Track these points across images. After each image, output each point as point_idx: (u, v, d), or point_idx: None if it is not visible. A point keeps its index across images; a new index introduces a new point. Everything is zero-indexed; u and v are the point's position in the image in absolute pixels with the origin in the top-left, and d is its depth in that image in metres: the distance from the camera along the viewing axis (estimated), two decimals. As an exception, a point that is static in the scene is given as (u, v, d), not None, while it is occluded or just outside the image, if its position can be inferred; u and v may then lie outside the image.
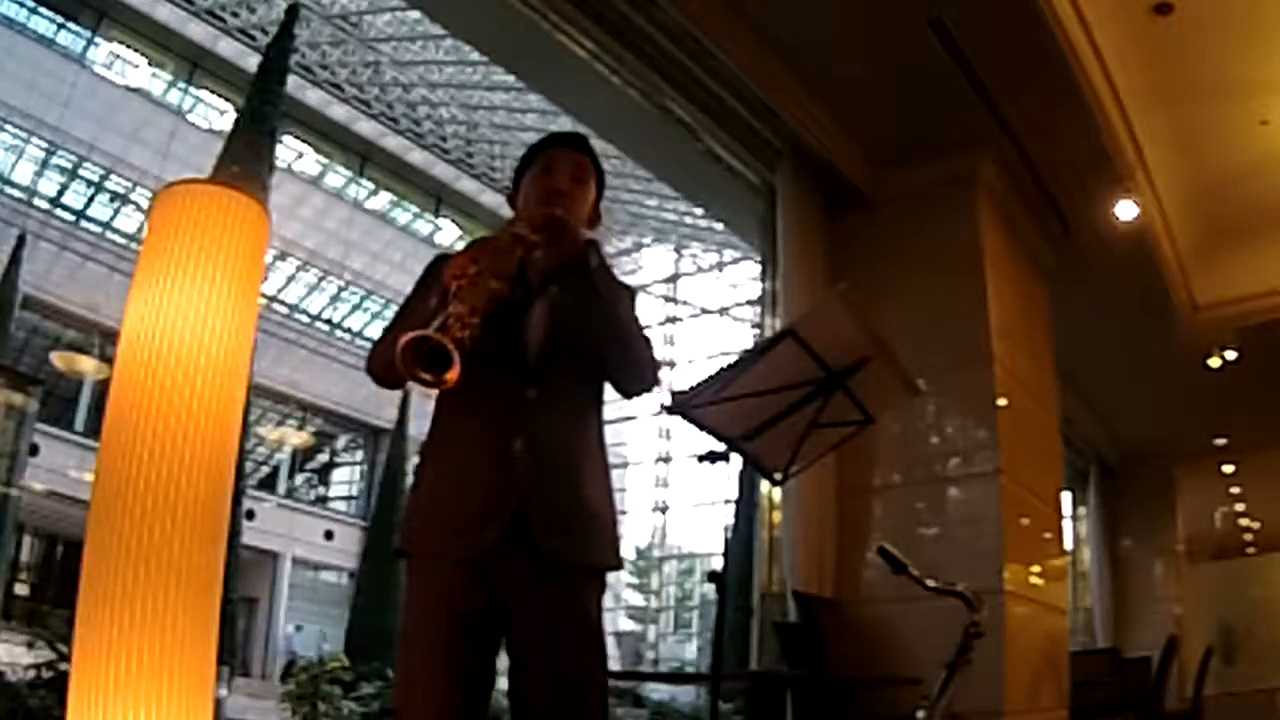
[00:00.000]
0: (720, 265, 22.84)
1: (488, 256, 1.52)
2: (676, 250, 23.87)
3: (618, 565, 1.72)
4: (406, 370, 1.32)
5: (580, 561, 1.63)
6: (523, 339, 1.67)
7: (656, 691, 13.04)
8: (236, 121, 10.79)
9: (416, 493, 1.72)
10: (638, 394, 1.76)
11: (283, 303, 20.73)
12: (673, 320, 23.95)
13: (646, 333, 1.77)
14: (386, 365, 1.57)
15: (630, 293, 1.79)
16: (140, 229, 16.81)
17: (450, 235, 23.49)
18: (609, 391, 1.81)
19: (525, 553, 1.57)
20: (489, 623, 1.58)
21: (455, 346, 1.33)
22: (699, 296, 23.63)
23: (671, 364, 23.52)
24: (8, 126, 16.96)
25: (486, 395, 1.60)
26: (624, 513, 24.37)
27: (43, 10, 17.40)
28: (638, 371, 1.73)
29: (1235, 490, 9.47)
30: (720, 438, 1.80)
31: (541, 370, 1.65)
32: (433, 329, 1.34)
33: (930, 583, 2.35)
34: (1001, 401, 4.12)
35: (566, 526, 1.60)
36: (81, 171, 18.06)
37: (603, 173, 1.89)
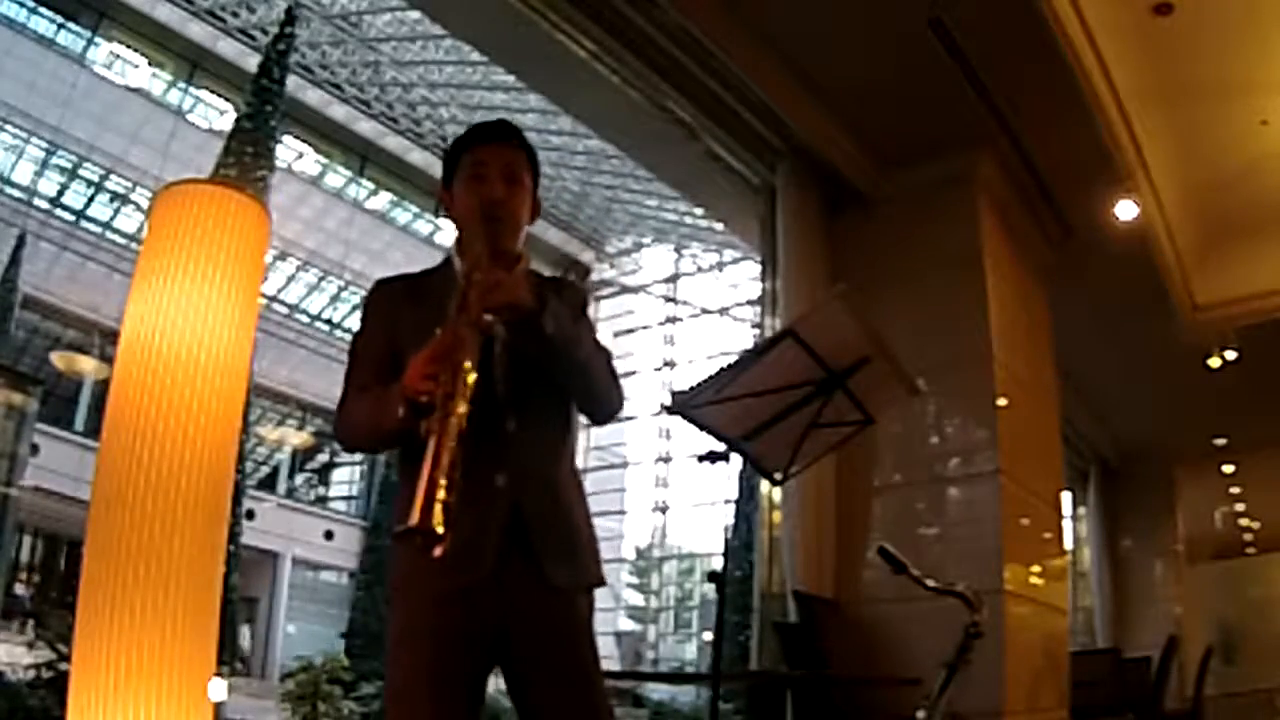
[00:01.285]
0: (720, 265, 22.84)
1: (455, 369, 1.44)
2: (676, 250, 23.87)
3: (603, 581, 1.73)
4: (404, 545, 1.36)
5: (577, 582, 1.64)
6: (491, 374, 1.59)
7: (656, 691, 13.05)
8: (236, 121, 10.80)
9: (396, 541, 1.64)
10: (605, 420, 1.74)
11: (283, 303, 20.71)
12: (673, 320, 23.95)
13: (605, 357, 1.71)
14: (362, 441, 1.69)
15: (587, 321, 1.77)
16: (140, 229, 16.80)
17: (450, 235, 23.45)
18: None
19: (522, 579, 1.56)
20: (482, 651, 1.57)
21: (445, 526, 1.34)
22: (699, 296, 23.63)
23: (671, 364, 23.53)
24: (8, 126, 16.96)
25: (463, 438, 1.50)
26: (623, 513, 24.45)
27: (43, 10, 17.39)
28: (601, 404, 1.70)
29: (1235, 490, 9.47)
30: (720, 438, 1.81)
31: (514, 402, 1.61)
32: (419, 517, 1.33)
33: (930, 583, 2.35)
34: (1001, 401, 4.12)
35: (561, 552, 1.60)
36: (81, 171, 18.05)
37: (536, 157, 1.80)
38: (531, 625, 1.57)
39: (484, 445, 1.51)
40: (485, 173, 1.70)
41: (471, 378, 1.45)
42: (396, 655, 1.57)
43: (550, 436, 1.67)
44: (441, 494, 1.35)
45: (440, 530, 1.33)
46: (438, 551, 1.34)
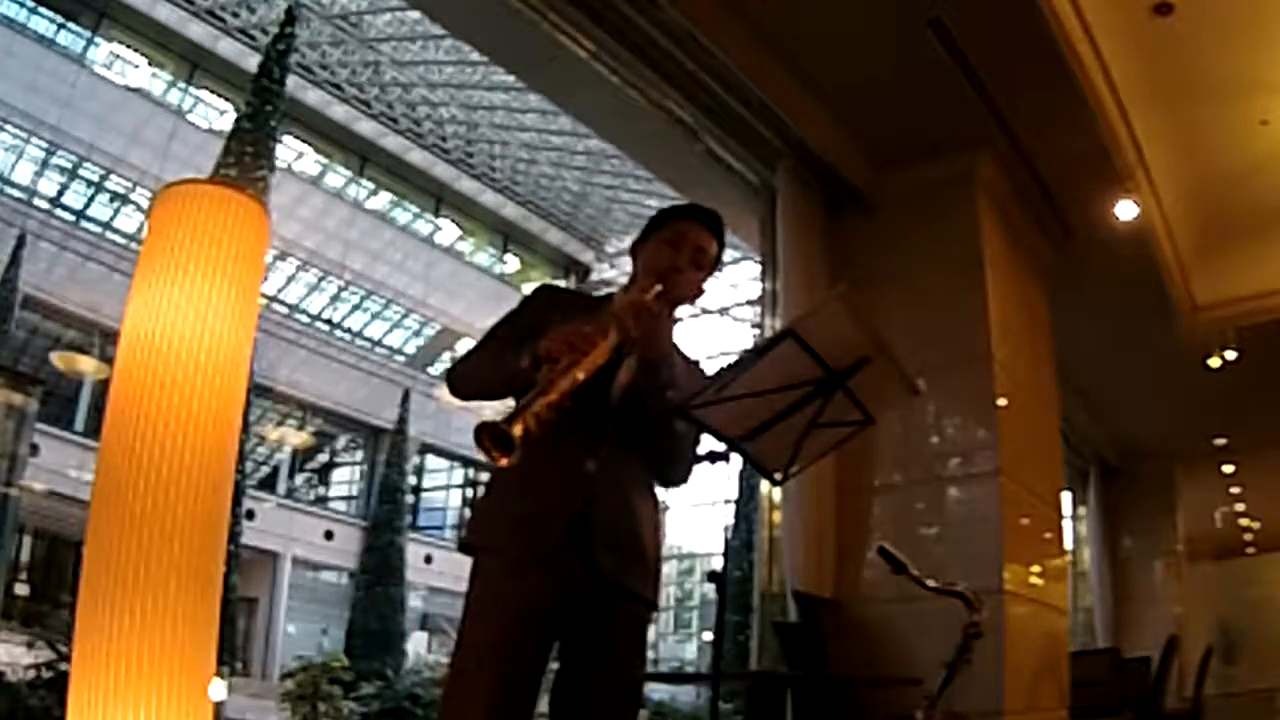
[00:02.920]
0: (720, 265, 22.81)
1: (588, 351, 1.62)
2: (677, 250, 23.84)
3: (658, 604, 1.88)
4: (477, 441, 1.50)
5: (629, 586, 1.76)
6: (610, 385, 1.79)
7: (656, 691, 13.04)
8: (236, 121, 10.80)
9: (488, 497, 1.85)
10: (666, 485, 1.93)
11: (283, 303, 20.71)
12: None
13: (694, 437, 1.86)
14: (474, 384, 1.85)
15: (700, 380, 1.91)
16: (140, 229, 16.81)
17: (450, 235, 23.50)
18: None
19: (585, 565, 1.70)
20: (547, 625, 1.71)
21: (521, 437, 1.49)
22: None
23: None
24: (8, 126, 16.95)
25: (568, 420, 1.66)
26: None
27: (43, 10, 17.39)
28: (670, 470, 1.89)
29: (1235, 490, 9.46)
30: (720, 438, 1.81)
31: (619, 414, 1.79)
32: (506, 418, 1.49)
33: (930, 583, 2.36)
34: (1001, 401, 4.12)
35: (620, 548, 1.74)
36: (81, 171, 18.05)
37: (723, 251, 2.00)
38: (585, 613, 1.71)
39: (584, 437, 1.73)
40: (680, 243, 1.91)
41: (601, 359, 1.63)
42: (472, 620, 1.72)
43: (640, 456, 1.84)
44: (533, 413, 1.50)
45: (516, 436, 1.47)
46: (503, 462, 1.48)
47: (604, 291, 2.00)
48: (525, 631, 1.68)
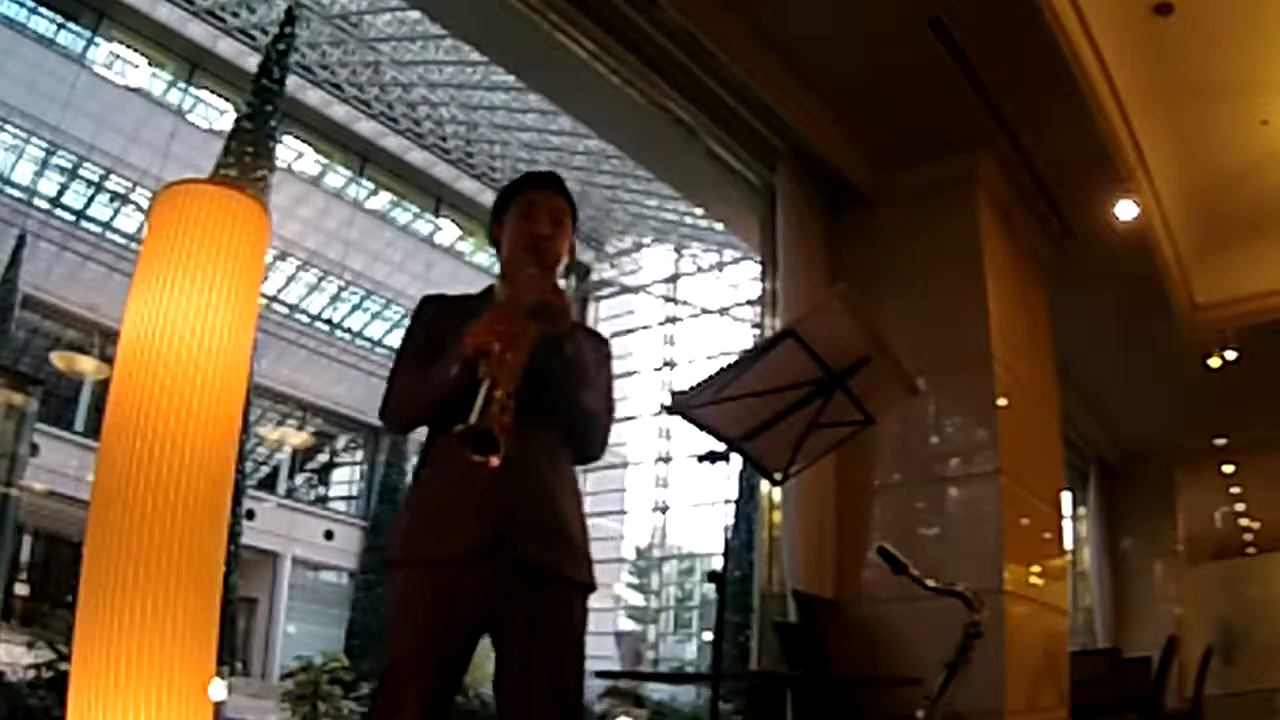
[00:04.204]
0: (720, 265, 22.82)
1: (508, 338, 1.63)
2: (676, 250, 23.85)
3: (594, 585, 1.83)
4: (464, 444, 1.51)
5: (559, 574, 1.74)
6: None
7: (656, 691, 13.04)
8: (236, 121, 10.79)
9: (406, 512, 1.84)
10: (579, 461, 1.90)
11: (283, 303, 20.70)
12: (673, 320, 23.94)
13: (607, 410, 1.91)
14: (410, 411, 1.82)
15: (605, 353, 1.99)
16: (140, 229, 16.80)
17: (450, 235, 23.50)
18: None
19: (510, 562, 1.68)
20: (473, 629, 1.70)
21: (501, 431, 1.51)
22: (699, 296, 23.61)
23: (672, 364, 23.51)
24: (8, 126, 16.94)
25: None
26: (623, 513, 24.44)
27: (43, 10, 17.38)
28: (582, 447, 1.88)
29: (1235, 490, 9.46)
30: (720, 438, 1.81)
31: (522, 398, 1.70)
32: (478, 418, 1.51)
33: (930, 583, 2.36)
34: (1001, 401, 4.11)
35: (545, 538, 1.72)
36: (81, 171, 18.04)
37: (576, 210, 2.02)
38: (510, 611, 1.69)
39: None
40: (535, 212, 1.94)
41: (528, 341, 1.65)
42: (397, 623, 1.71)
43: (549, 437, 1.80)
44: (498, 405, 1.52)
45: (496, 431, 1.49)
46: (494, 461, 1.50)
47: (484, 286, 1.98)
48: (452, 641, 1.68)
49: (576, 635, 1.77)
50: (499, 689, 1.71)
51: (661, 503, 23.22)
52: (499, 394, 1.54)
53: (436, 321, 1.88)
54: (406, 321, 1.98)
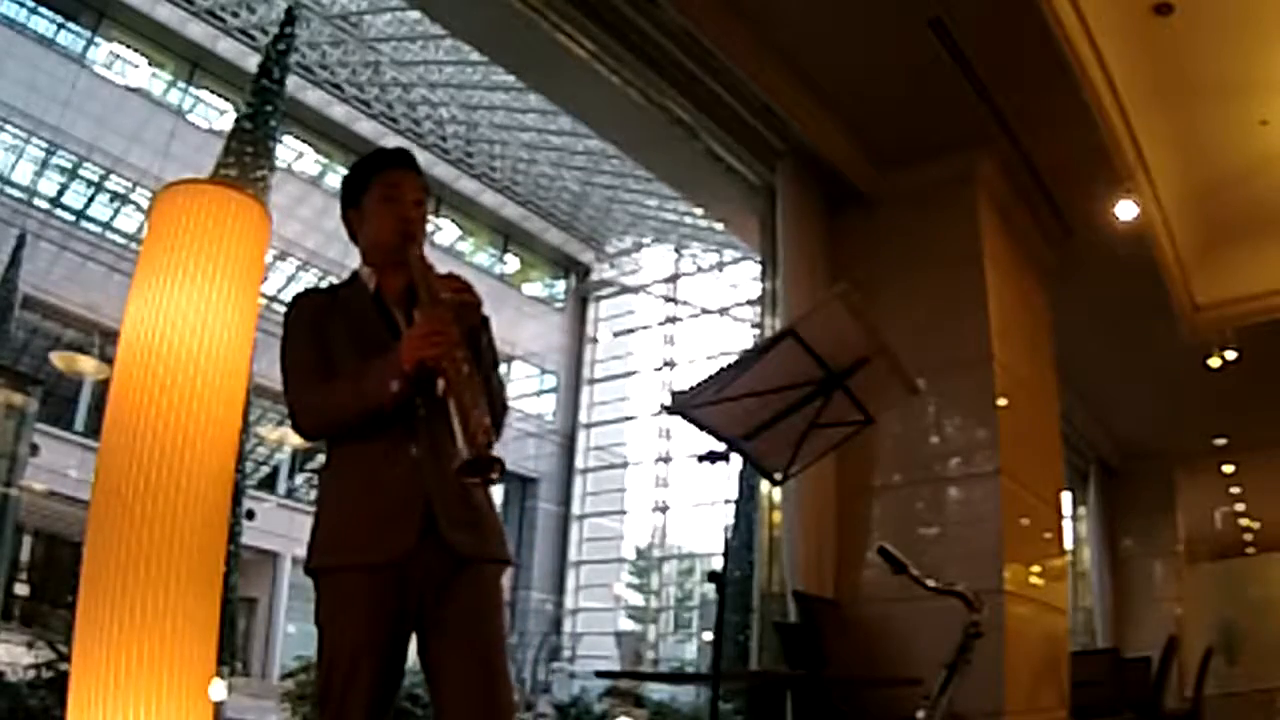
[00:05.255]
0: (720, 265, 22.83)
1: (455, 342, 1.64)
2: (676, 250, 23.86)
3: (509, 559, 1.87)
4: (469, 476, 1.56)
5: (482, 555, 1.76)
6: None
7: (656, 691, 13.03)
8: (236, 121, 10.78)
9: (325, 515, 1.78)
10: None
11: (283, 303, 20.61)
12: (673, 320, 23.95)
13: (500, 382, 1.89)
14: (338, 426, 1.76)
15: (494, 354, 1.94)
16: (140, 229, 16.79)
17: (450, 235, 23.50)
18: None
19: (439, 550, 1.69)
20: (406, 620, 1.70)
21: (490, 447, 1.54)
22: (699, 296, 23.62)
23: (672, 364, 23.52)
24: (8, 126, 16.94)
25: (385, 416, 1.70)
26: (623, 513, 24.43)
27: (43, 10, 17.38)
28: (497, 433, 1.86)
29: (1235, 490, 9.47)
30: (720, 438, 1.81)
31: (426, 391, 1.72)
32: (470, 446, 1.53)
33: (930, 583, 2.35)
34: (1001, 401, 4.11)
35: (466, 522, 1.73)
36: (81, 171, 18.03)
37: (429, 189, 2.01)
38: (443, 593, 1.70)
39: (401, 425, 1.71)
40: (399, 195, 1.88)
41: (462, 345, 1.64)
42: (330, 629, 1.70)
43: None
44: (483, 424, 1.54)
45: (495, 458, 1.52)
46: (494, 476, 1.54)
47: (348, 275, 1.93)
48: (390, 639, 1.68)
49: (501, 606, 1.82)
50: (437, 671, 1.71)
51: (661, 503, 23.23)
52: (475, 414, 1.55)
53: (316, 322, 1.82)
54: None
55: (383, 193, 1.88)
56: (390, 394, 1.66)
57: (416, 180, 1.93)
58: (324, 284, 2.12)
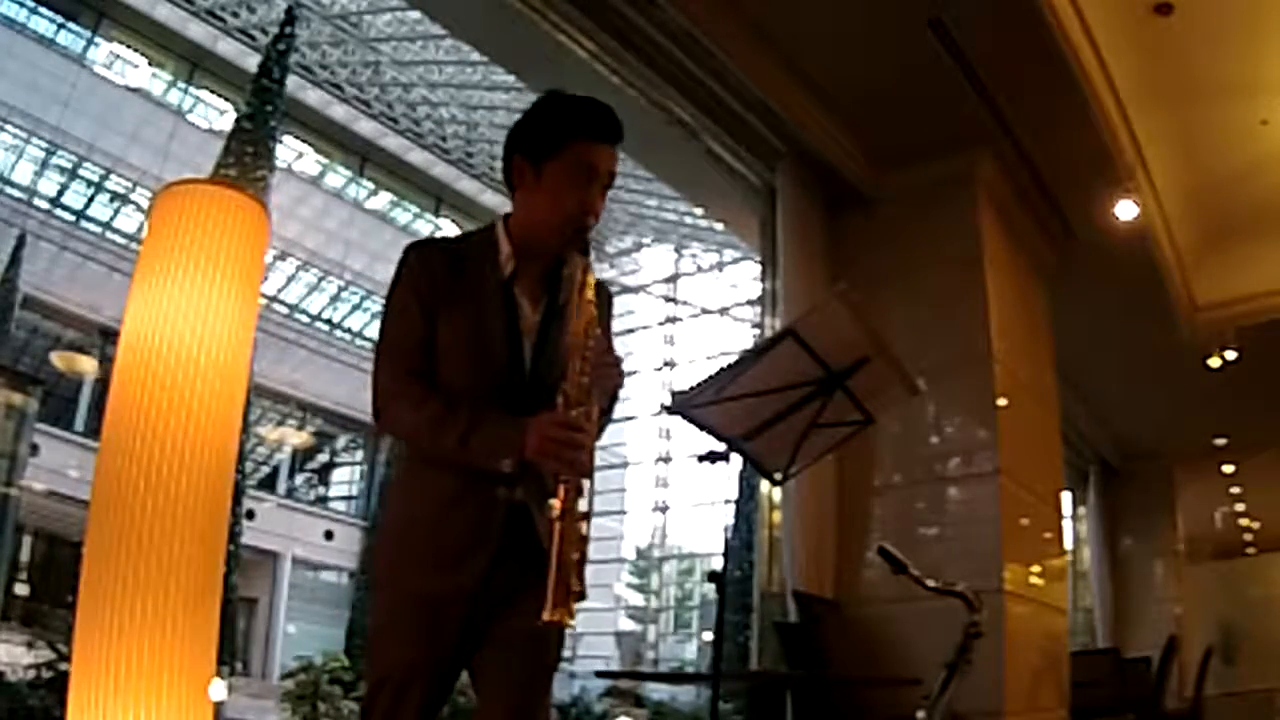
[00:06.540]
0: (720, 265, 22.85)
1: (584, 471, 1.48)
2: (676, 250, 23.88)
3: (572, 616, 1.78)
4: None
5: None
6: (524, 376, 1.62)
7: (656, 691, 13.05)
8: (236, 121, 10.79)
9: (396, 523, 1.66)
10: None
11: (283, 303, 20.71)
12: (673, 320, 23.96)
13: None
14: (411, 440, 1.64)
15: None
16: (140, 229, 16.79)
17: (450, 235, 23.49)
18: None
19: (511, 584, 1.57)
20: (465, 641, 1.60)
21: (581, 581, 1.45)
22: (699, 296, 23.65)
23: (672, 364, 23.53)
24: (8, 126, 16.95)
25: None
26: (623, 513, 24.45)
27: (43, 10, 17.39)
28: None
29: (1235, 490, 9.46)
30: (720, 438, 1.81)
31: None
32: (557, 611, 1.42)
33: (930, 583, 2.35)
34: (1001, 401, 4.11)
35: (528, 571, 1.57)
36: (81, 171, 18.04)
37: None
38: (509, 626, 1.58)
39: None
40: (596, 173, 1.60)
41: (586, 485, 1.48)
42: (382, 642, 1.61)
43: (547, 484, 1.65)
44: (575, 589, 1.42)
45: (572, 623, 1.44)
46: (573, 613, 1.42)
47: (472, 229, 1.70)
48: (444, 654, 1.58)
49: (559, 641, 1.66)
50: (484, 682, 1.61)
51: (661, 503, 23.25)
52: (573, 576, 1.42)
53: (433, 289, 1.59)
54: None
55: (577, 165, 1.58)
56: (496, 469, 1.50)
57: (614, 159, 1.63)
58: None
